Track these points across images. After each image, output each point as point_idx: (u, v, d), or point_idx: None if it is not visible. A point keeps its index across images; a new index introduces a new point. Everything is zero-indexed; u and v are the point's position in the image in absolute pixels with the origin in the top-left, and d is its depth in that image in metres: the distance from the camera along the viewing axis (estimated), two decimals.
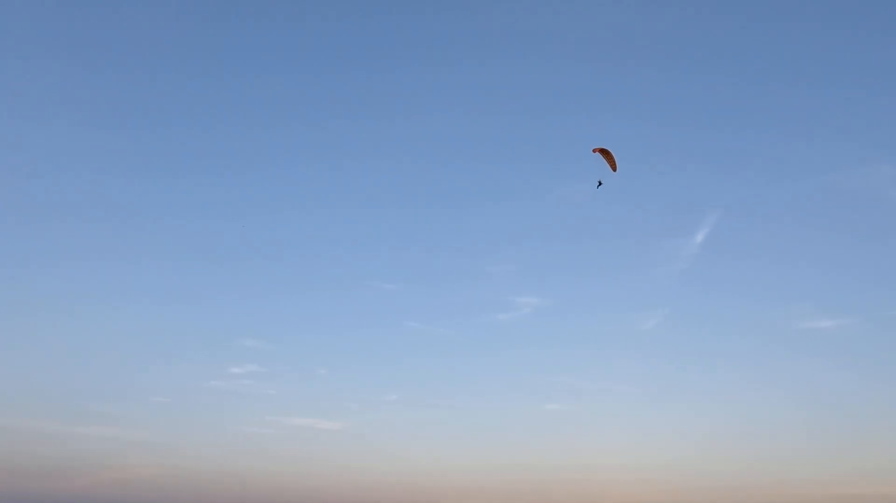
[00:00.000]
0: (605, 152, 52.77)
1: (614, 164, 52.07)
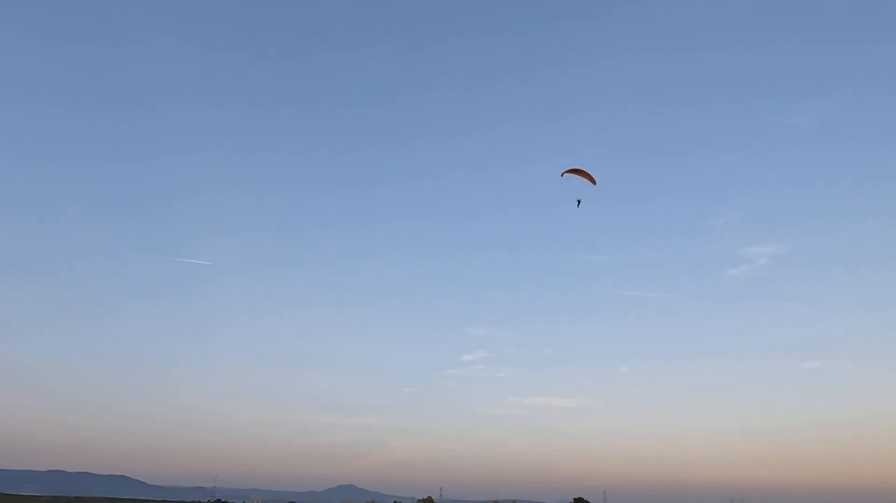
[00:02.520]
0: (577, 171, 51.92)
1: (592, 178, 50.93)
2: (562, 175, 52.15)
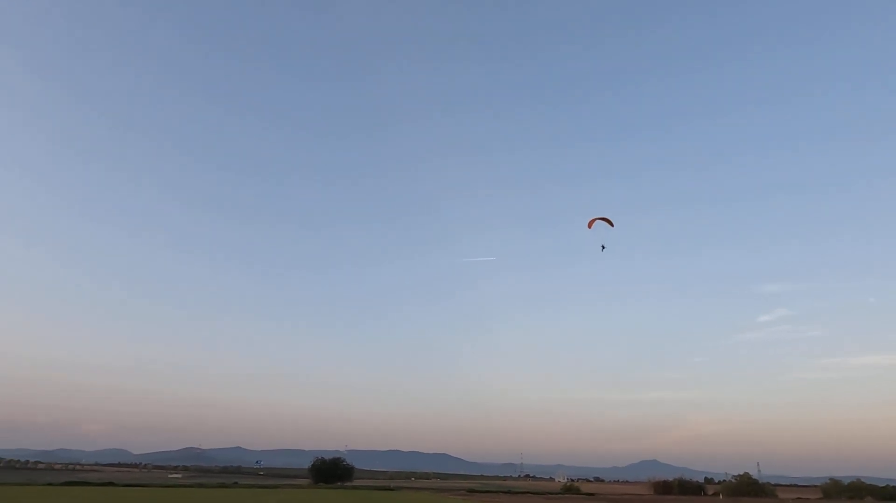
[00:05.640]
0: (600, 219, 55.61)
1: (610, 222, 55.56)
2: (589, 226, 55.67)
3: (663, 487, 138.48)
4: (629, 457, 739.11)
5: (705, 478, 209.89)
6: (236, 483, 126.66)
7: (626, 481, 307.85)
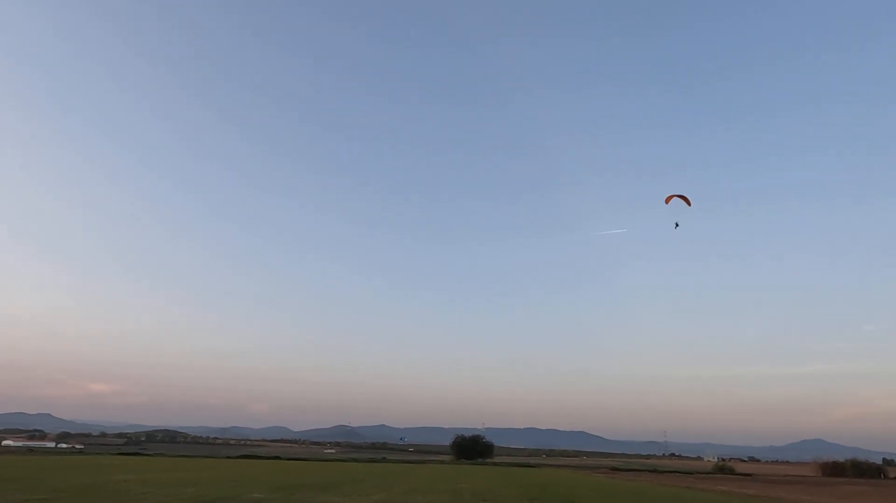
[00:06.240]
0: (678, 197, 55.91)
1: (688, 201, 55.87)
2: (666, 202, 56.30)
3: (833, 469, 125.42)
4: (788, 436, 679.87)
5: (884, 460, 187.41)
6: (384, 458, 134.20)
7: (787, 461, 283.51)
